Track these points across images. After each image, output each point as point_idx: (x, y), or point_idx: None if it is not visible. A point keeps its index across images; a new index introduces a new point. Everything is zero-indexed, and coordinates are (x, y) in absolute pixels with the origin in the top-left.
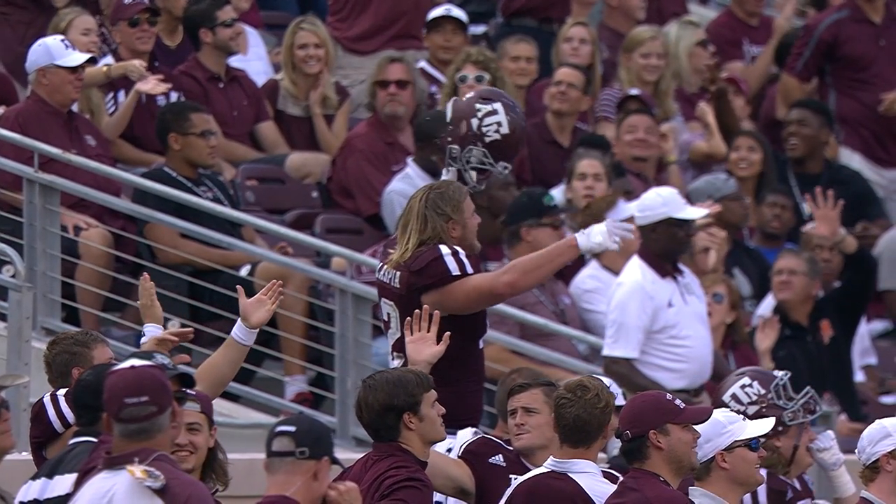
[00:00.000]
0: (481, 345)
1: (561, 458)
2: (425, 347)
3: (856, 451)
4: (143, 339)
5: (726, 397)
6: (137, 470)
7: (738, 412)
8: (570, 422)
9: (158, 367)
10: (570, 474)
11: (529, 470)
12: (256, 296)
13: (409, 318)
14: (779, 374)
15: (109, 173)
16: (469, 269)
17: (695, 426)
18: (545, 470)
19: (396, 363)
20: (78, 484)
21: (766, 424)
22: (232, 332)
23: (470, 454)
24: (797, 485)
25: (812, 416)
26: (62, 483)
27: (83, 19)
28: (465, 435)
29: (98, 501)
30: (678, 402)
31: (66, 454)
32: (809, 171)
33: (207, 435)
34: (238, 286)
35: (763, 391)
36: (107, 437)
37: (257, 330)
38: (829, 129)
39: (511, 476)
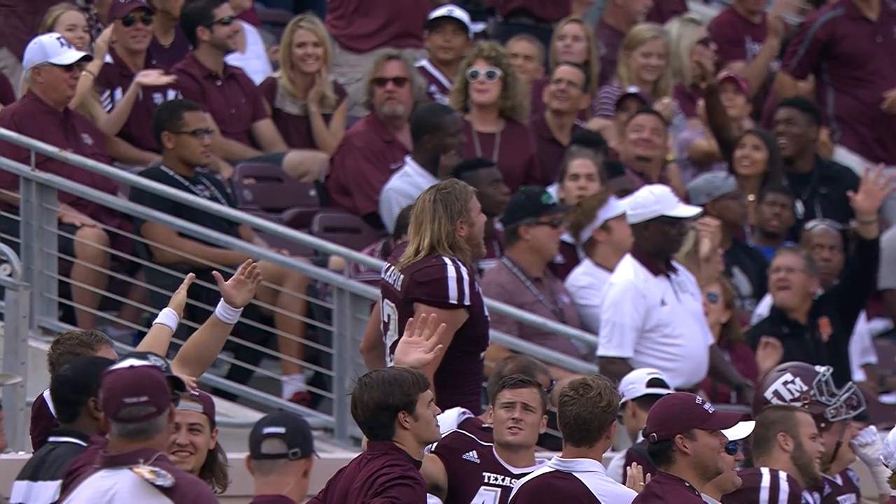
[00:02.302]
0: (482, 356)
1: (564, 458)
2: (413, 351)
3: (882, 457)
4: (157, 321)
5: (768, 394)
6: (145, 471)
7: None
8: (572, 420)
9: (157, 368)
10: (574, 474)
11: (503, 467)
12: (234, 276)
13: (410, 318)
14: (821, 370)
15: (106, 172)
16: (467, 301)
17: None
18: (549, 469)
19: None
20: (65, 486)
21: (745, 428)
22: (217, 312)
23: (444, 449)
24: (839, 480)
25: (854, 412)
26: (45, 491)
27: (69, 15)
28: (451, 415)
29: (98, 500)
30: (707, 406)
31: (48, 455)
32: (799, 169)
33: (209, 436)
34: (214, 272)
35: (805, 388)
36: (97, 438)
37: (241, 309)
38: (818, 127)
39: (484, 473)
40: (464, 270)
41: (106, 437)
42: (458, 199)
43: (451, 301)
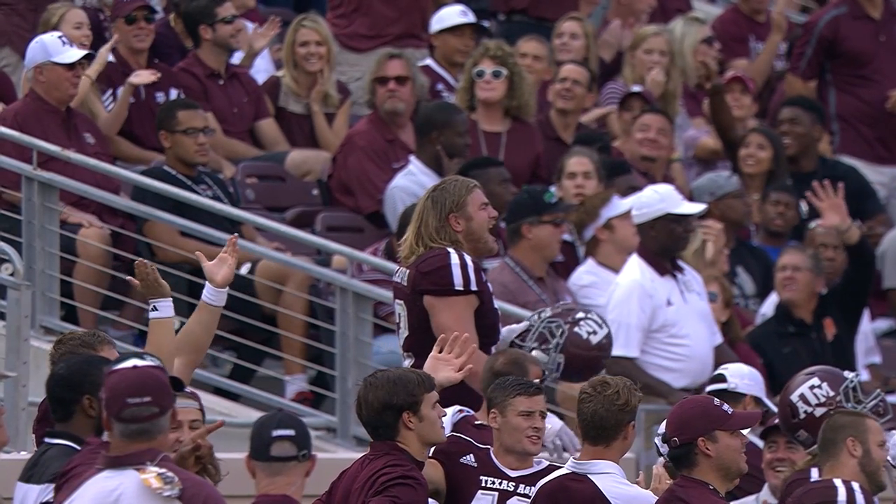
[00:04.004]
0: (493, 349)
1: (581, 459)
2: (443, 368)
3: (890, 458)
4: (153, 314)
5: (794, 397)
6: (153, 479)
7: (805, 412)
8: (589, 417)
9: (160, 369)
10: (589, 475)
11: (500, 470)
12: (218, 255)
13: (443, 335)
14: (849, 375)
15: (109, 171)
16: (473, 287)
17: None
18: (566, 471)
19: (407, 363)
20: (58, 488)
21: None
22: (202, 296)
23: (441, 454)
24: None
25: (881, 419)
26: (31, 494)
27: (74, 13)
28: (448, 412)
29: (103, 500)
30: (726, 407)
31: (41, 457)
32: (804, 169)
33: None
34: (197, 252)
35: (832, 393)
36: (92, 440)
37: (226, 290)
38: (822, 126)
39: (481, 477)
40: (468, 258)
41: (100, 439)
42: (451, 194)
43: (457, 287)
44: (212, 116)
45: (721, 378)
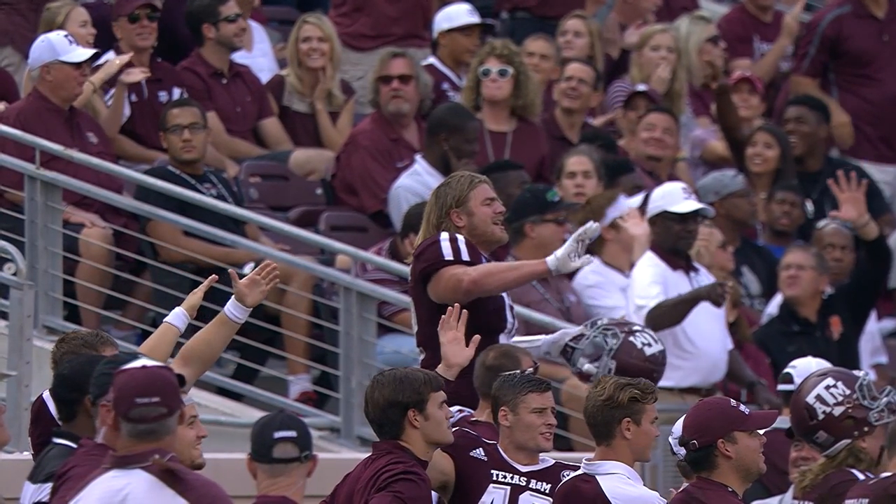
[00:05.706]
0: (502, 339)
1: (591, 461)
2: (460, 352)
3: None
4: (166, 319)
5: (810, 398)
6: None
7: (824, 413)
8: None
9: (169, 369)
10: (596, 476)
11: (510, 465)
12: (249, 276)
13: (443, 316)
14: (860, 373)
15: (112, 170)
16: (464, 257)
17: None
18: (579, 472)
19: (420, 358)
20: (55, 490)
21: None
22: (226, 310)
23: (450, 447)
24: None
25: (893, 416)
26: (27, 491)
27: (78, 11)
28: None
29: (110, 499)
30: (743, 408)
31: (44, 456)
32: (809, 168)
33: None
34: (231, 269)
35: (848, 392)
36: (86, 441)
37: (251, 309)
38: (828, 125)
39: (492, 471)
40: (460, 237)
41: (94, 440)
42: (454, 189)
43: (447, 258)
44: (215, 115)
45: (788, 378)
